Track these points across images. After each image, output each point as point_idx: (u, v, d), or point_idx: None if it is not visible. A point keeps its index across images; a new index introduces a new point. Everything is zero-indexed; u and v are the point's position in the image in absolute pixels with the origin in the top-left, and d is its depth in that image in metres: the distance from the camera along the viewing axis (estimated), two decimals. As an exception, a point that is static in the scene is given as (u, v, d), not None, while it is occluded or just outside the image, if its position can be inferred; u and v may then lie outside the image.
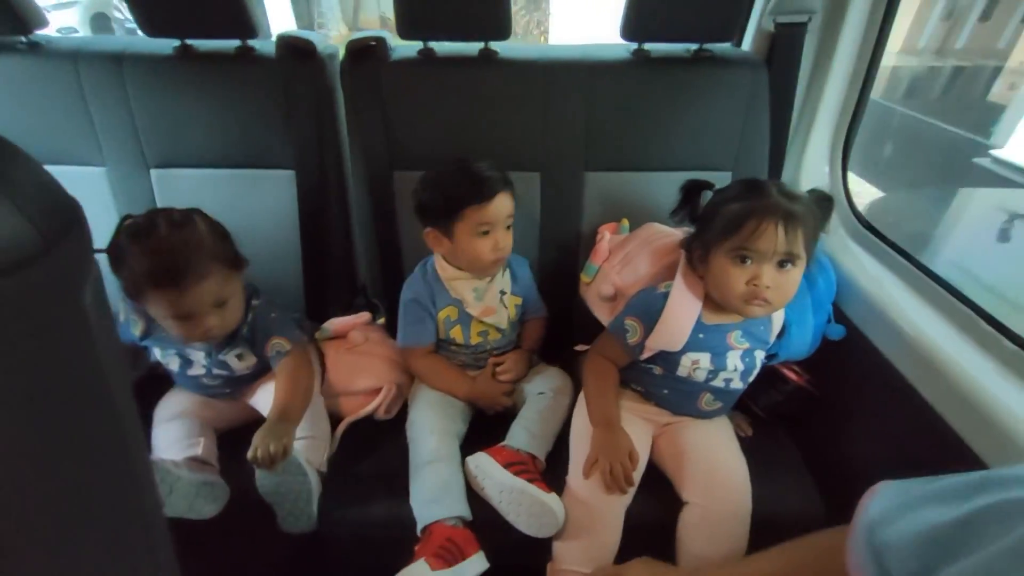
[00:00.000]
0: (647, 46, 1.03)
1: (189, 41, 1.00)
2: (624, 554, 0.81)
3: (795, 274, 0.76)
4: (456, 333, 0.99)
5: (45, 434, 0.33)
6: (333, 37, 9.27)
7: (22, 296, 0.31)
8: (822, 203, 0.79)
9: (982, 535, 0.36)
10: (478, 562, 0.77)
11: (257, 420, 0.92)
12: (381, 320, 1.20)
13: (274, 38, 1.01)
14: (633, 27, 0.97)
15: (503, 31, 0.97)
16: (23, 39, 0.98)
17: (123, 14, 7.48)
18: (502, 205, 0.90)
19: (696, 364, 0.84)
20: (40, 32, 1.00)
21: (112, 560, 0.40)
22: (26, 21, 0.94)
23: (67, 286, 0.34)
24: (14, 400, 0.31)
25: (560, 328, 1.12)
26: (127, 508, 0.41)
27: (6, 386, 0.30)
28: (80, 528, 0.36)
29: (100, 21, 7.25)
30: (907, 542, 0.41)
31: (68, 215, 0.34)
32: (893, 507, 0.45)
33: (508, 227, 0.93)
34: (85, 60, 0.98)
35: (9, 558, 0.30)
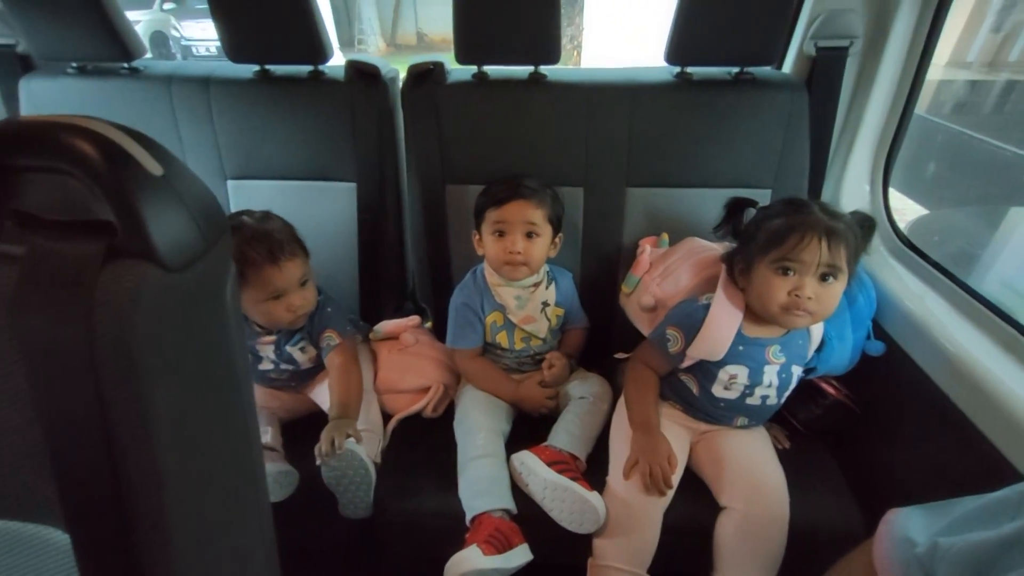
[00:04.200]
0: (690, 69, 1.08)
1: (268, 66, 1.11)
2: (662, 555, 0.84)
3: (837, 288, 0.79)
4: (502, 338, 1.05)
5: (196, 402, 0.40)
6: (371, 52, 9.63)
7: (189, 289, 0.38)
8: (864, 224, 0.82)
9: None
10: (524, 552, 0.82)
11: (317, 412, 1.00)
12: (429, 324, 1.27)
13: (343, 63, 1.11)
14: (678, 52, 1.02)
15: (552, 56, 1.03)
16: (125, 65, 1.11)
17: (179, 32, 7.99)
18: (517, 210, 0.97)
19: (733, 379, 0.87)
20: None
21: (230, 520, 0.46)
22: (130, 50, 1.06)
23: (216, 282, 0.42)
24: (178, 372, 0.38)
25: (600, 337, 1.16)
26: (244, 476, 0.47)
27: (175, 361, 0.38)
28: (209, 490, 0.43)
29: (158, 39, 7.76)
30: (953, 559, 0.41)
31: (220, 222, 0.42)
32: (934, 529, 0.46)
33: (529, 235, 0.98)
34: (177, 83, 1.10)
35: (170, 504, 0.37)
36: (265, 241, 0.90)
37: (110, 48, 1.05)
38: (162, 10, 7.92)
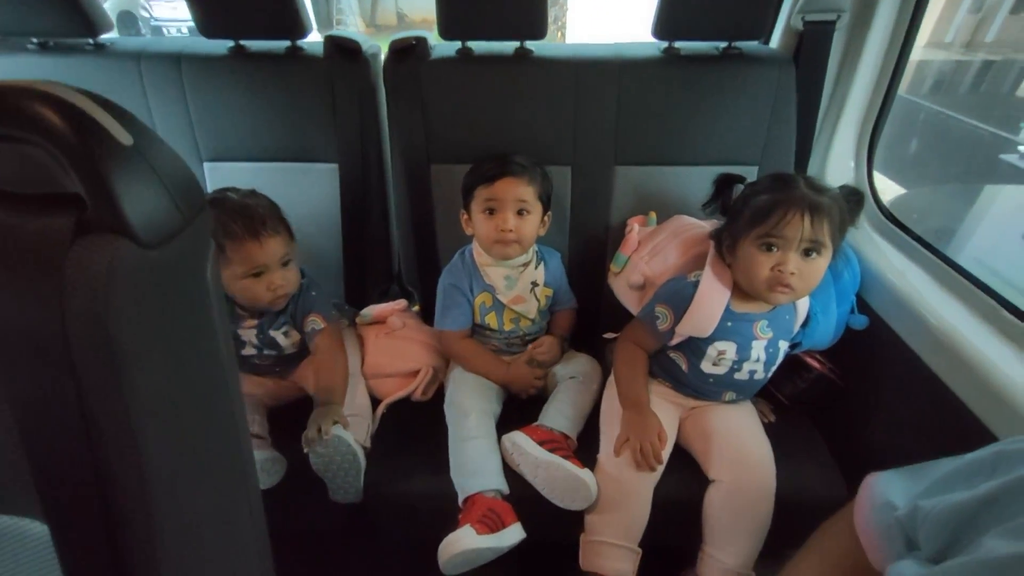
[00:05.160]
0: (677, 44, 1.06)
1: (242, 42, 1.06)
2: (653, 528, 0.86)
3: (820, 263, 0.80)
4: (491, 319, 1.04)
5: (178, 386, 0.39)
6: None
7: (167, 267, 0.36)
8: (851, 198, 0.82)
9: (1010, 507, 0.38)
10: (517, 531, 0.82)
11: (302, 397, 0.99)
12: (416, 307, 1.26)
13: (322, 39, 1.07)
14: (665, 26, 1.01)
15: (538, 31, 1.01)
16: (90, 41, 1.05)
17: (149, 12, 7.66)
18: (508, 187, 0.95)
19: (722, 355, 0.88)
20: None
21: (218, 503, 0.45)
22: (94, 25, 1.01)
23: (196, 261, 0.40)
24: (157, 355, 0.36)
25: (588, 317, 1.16)
26: (231, 459, 0.46)
27: (154, 342, 0.36)
28: (196, 472, 0.41)
29: (126, 18, 7.42)
30: (934, 520, 0.43)
31: (198, 199, 0.40)
32: (913, 492, 0.47)
33: (520, 212, 0.97)
34: (147, 60, 1.05)
35: (154, 490, 0.36)
36: (247, 215, 0.87)
37: (73, 22, 0.99)
38: (130, -12, 7.57)
